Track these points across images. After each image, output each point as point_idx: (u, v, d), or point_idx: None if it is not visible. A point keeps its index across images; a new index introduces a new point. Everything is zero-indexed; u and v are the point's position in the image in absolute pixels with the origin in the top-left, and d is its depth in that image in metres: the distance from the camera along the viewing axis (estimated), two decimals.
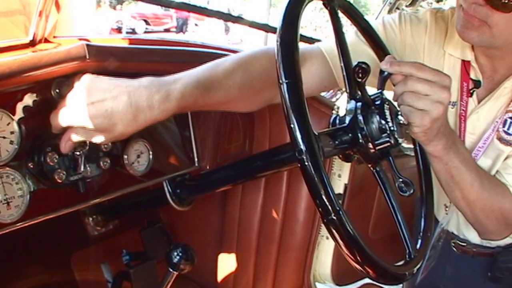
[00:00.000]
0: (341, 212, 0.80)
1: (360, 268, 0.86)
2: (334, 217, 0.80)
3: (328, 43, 1.25)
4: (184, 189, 1.34)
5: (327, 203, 0.80)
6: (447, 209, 1.43)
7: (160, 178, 1.32)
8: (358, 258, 0.84)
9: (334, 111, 1.50)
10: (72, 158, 1.13)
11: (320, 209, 0.81)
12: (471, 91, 1.28)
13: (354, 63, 0.98)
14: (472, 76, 1.28)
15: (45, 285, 1.54)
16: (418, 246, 1.09)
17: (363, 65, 0.97)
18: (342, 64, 1.03)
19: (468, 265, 1.47)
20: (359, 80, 0.98)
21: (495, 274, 1.42)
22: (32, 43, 1.10)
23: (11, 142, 1.05)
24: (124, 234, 1.71)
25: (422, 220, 1.14)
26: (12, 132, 1.04)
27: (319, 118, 1.48)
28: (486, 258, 1.43)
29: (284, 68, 0.83)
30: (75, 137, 1.01)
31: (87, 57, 1.05)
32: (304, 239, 1.58)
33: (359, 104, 1.00)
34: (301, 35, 1.60)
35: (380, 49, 1.16)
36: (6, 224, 1.06)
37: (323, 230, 1.62)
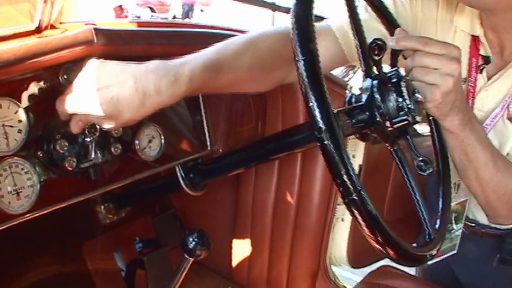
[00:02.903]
0: (362, 192, 0.78)
1: (381, 249, 0.84)
2: (356, 197, 0.78)
3: (337, 21, 1.22)
4: (197, 173, 1.30)
5: (348, 183, 0.77)
6: (457, 188, 1.39)
7: (173, 163, 1.28)
8: (379, 238, 0.82)
9: (347, 91, 1.46)
10: (82, 145, 1.08)
11: (340, 189, 0.78)
12: (481, 68, 1.26)
13: (368, 40, 0.96)
14: (482, 52, 1.25)
15: (57, 275, 1.50)
16: (437, 226, 1.07)
17: (379, 42, 0.94)
18: (357, 41, 0.99)
19: (477, 246, 1.46)
20: (376, 57, 0.96)
21: (504, 256, 1.40)
22: (38, 30, 1.05)
23: (19, 131, 1.01)
24: (136, 221, 1.67)
25: (440, 200, 1.11)
26: (20, 121, 1.00)
27: (333, 98, 1.38)
28: (494, 239, 1.41)
29: (300, 45, 0.79)
30: (84, 121, 0.99)
31: (95, 41, 1.01)
32: (319, 221, 1.54)
33: (375, 82, 0.97)
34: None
35: (392, 25, 1.12)
36: (17, 215, 1.02)
37: (338, 212, 1.58)
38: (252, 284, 1.70)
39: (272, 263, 1.65)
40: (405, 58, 1.02)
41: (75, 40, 0.99)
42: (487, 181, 1.14)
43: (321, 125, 0.78)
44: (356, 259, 1.65)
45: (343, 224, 1.59)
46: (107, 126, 0.96)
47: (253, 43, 1.06)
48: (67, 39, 0.99)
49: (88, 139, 1.08)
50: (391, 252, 0.84)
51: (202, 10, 18.25)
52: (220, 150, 1.39)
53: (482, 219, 1.40)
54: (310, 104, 0.78)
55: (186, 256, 1.19)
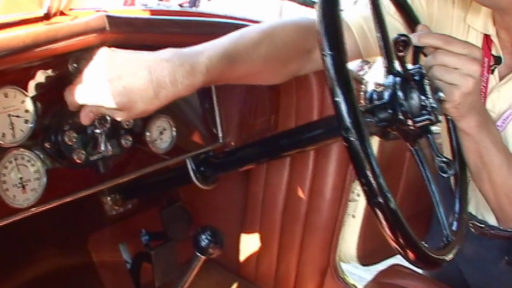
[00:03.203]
0: (388, 195, 0.75)
1: (401, 251, 0.81)
2: (381, 200, 0.75)
3: (352, 14, 1.17)
4: (208, 167, 1.24)
5: (374, 185, 0.74)
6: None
7: (184, 156, 1.22)
8: (401, 241, 0.79)
9: (363, 86, 1.39)
10: (92, 137, 1.02)
11: (366, 190, 0.76)
12: (492, 68, 1.21)
13: None
14: (493, 52, 1.21)
15: (61, 267, 1.44)
16: (454, 228, 1.03)
17: (404, 38, 0.91)
18: (380, 36, 0.95)
19: (486, 247, 1.41)
20: (400, 53, 0.92)
21: None
22: (47, 16, 0.98)
23: (26, 121, 0.95)
24: (142, 213, 1.61)
25: (457, 201, 1.08)
26: (26, 111, 0.94)
27: None
28: (503, 241, 1.37)
29: (327, 39, 0.74)
30: (95, 112, 0.93)
31: (107, 28, 0.95)
32: (331, 217, 1.49)
33: (398, 79, 0.93)
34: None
35: (413, 22, 1.09)
36: (22, 209, 0.96)
37: (350, 209, 1.52)
38: (259, 280, 1.65)
39: (281, 259, 1.60)
40: (425, 56, 0.99)
41: (87, 27, 0.93)
42: (500, 185, 1.11)
43: (348, 122, 0.74)
44: (366, 257, 1.59)
45: (353, 221, 1.53)
46: (119, 117, 0.90)
47: (269, 33, 1.01)
48: (79, 27, 0.92)
49: (98, 131, 1.02)
50: (411, 255, 0.81)
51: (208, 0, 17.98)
52: (233, 143, 1.32)
53: (491, 220, 1.35)
54: (337, 99, 0.74)
55: (198, 254, 1.13)
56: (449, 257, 0.95)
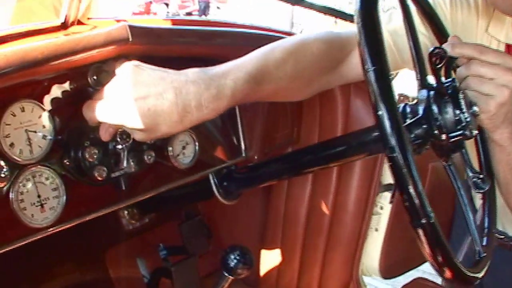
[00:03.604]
0: (431, 215, 0.71)
1: (438, 269, 0.77)
2: (424, 221, 0.71)
3: (388, 24, 1.12)
4: (231, 181, 1.17)
5: (418, 206, 0.71)
6: None
7: (206, 171, 1.14)
8: (440, 259, 0.75)
9: None
10: (114, 153, 0.95)
11: (410, 212, 0.72)
12: None
13: None
14: None
15: (78, 284, 1.36)
16: (484, 243, 0.99)
17: (440, 50, 0.87)
18: (413, 48, 0.90)
19: (505, 259, 1.37)
20: (436, 66, 0.88)
21: None
22: (64, 26, 0.91)
23: (44, 137, 0.87)
24: (160, 227, 1.53)
25: (486, 216, 1.03)
26: (44, 126, 0.87)
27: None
28: None
29: (369, 53, 0.71)
30: (115, 128, 0.88)
31: (130, 39, 0.87)
32: (354, 231, 1.41)
33: (431, 92, 0.88)
34: (344, 13, 1.41)
35: (441, 34, 1.03)
36: (41, 229, 0.89)
37: (373, 222, 1.44)
38: None
39: (303, 273, 1.52)
40: (456, 67, 0.95)
41: (108, 38, 0.86)
42: None
43: (391, 138, 0.70)
44: (387, 270, 1.52)
45: (376, 234, 1.45)
46: (138, 138, 0.84)
47: (294, 52, 0.95)
48: (100, 37, 0.85)
49: (119, 147, 0.94)
50: (448, 274, 0.76)
51: (218, 8, 17.83)
52: (256, 157, 1.24)
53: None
54: (380, 113, 0.70)
55: (226, 274, 1.04)
56: (481, 274, 0.90)
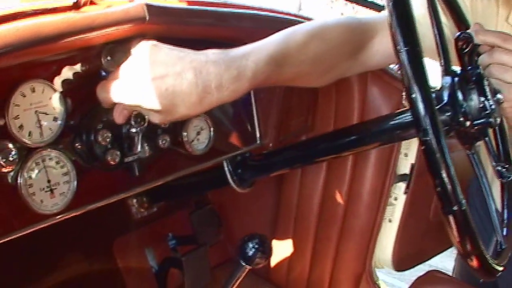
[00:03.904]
0: (463, 202, 0.68)
1: (466, 258, 0.74)
2: (456, 208, 0.68)
3: None
4: (246, 169, 1.12)
5: (451, 192, 0.68)
6: None
7: (221, 157, 1.08)
8: (469, 248, 0.72)
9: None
10: (127, 137, 0.89)
11: (442, 198, 0.69)
12: None
13: None
14: None
15: (85, 274, 1.31)
16: (504, 234, 0.96)
17: (467, 35, 0.84)
18: (437, 34, 0.86)
19: None
20: (464, 51, 0.85)
21: None
22: (76, 6, 0.84)
23: (55, 119, 0.81)
24: (169, 217, 1.48)
25: (506, 206, 1.00)
26: (55, 107, 0.81)
27: (390, 93, 1.27)
28: None
29: (402, 33, 0.67)
30: (130, 110, 0.82)
31: (147, 18, 0.81)
32: (368, 222, 1.36)
33: (456, 79, 0.85)
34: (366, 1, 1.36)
35: (461, 22, 0.98)
36: (50, 216, 0.83)
37: (387, 213, 1.38)
38: (291, 286, 1.52)
39: (314, 265, 1.47)
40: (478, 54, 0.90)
41: (125, 16, 0.79)
42: None
43: (425, 121, 0.66)
44: (400, 262, 1.46)
45: (390, 226, 1.40)
46: (155, 120, 0.78)
47: (316, 35, 0.90)
48: (116, 15, 0.79)
49: (134, 130, 0.88)
50: (475, 263, 0.74)
51: None
52: (270, 145, 1.18)
53: None
54: (413, 95, 0.67)
55: (243, 263, 0.99)
56: (502, 267, 0.85)
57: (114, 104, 0.81)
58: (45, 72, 0.80)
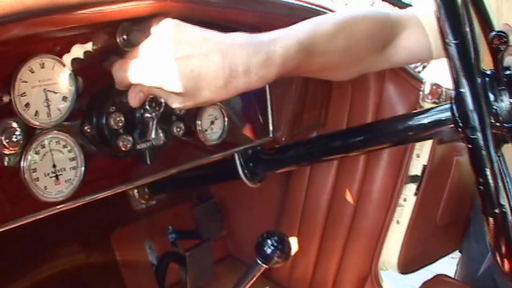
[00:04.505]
0: (505, 205, 0.65)
1: (499, 260, 0.70)
2: (498, 211, 0.65)
3: (425, 11, 0.99)
4: (258, 163, 1.05)
5: (494, 193, 0.65)
6: None
7: (233, 149, 1.00)
8: (504, 251, 0.68)
9: (422, 85, 1.20)
10: (141, 122, 0.80)
11: (484, 198, 0.66)
12: None
13: None
14: None
15: (82, 265, 1.23)
16: None
17: (504, 34, 0.75)
18: (469, 33, 0.76)
19: None
20: (499, 51, 0.75)
21: None
22: None
23: (64, 99, 0.73)
24: (170, 209, 1.39)
25: None
26: (65, 86, 0.73)
27: (407, 91, 1.21)
28: None
29: (451, 27, 0.64)
30: (146, 93, 0.73)
31: None
32: (377, 223, 1.28)
33: (486, 79, 0.76)
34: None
35: (486, 21, 0.90)
36: (54, 204, 0.75)
37: (395, 214, 1.31)
38: (293, 285, 1.44)
39: (319, 264, 1.39)
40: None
41: None
42: None
43: (474, 118, 0.64)
44: (405, 265, 1.38)
45: (398, 227, 1.33)
46: (175, 103, 0.70)
47: (345, 26, 0.84)
48: None
49: (148, 115, 0.80)
50: (508, 266, 0.70)
51: None
52: (283, 139, 1.10)
53: None
54: (462, 90, 0.64)
55: (259, 261, 0.91)
56: None
57: (129, 85, 0.73)
58: (56, 47, 0.72)
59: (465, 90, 0.63)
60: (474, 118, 0.63)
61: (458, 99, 0.64)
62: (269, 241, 0.90)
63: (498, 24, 1.02)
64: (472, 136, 0.63)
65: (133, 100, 0.74)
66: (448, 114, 0.76)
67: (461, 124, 0.67)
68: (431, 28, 0.97)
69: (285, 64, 0.71)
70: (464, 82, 0.63)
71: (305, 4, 0.97)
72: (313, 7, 0.98)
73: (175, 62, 0.65)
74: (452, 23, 0.63)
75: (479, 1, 0.91)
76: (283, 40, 0.71)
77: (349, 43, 0.84)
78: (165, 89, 0.68)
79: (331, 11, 1.01)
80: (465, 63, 0.63)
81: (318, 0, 1.04)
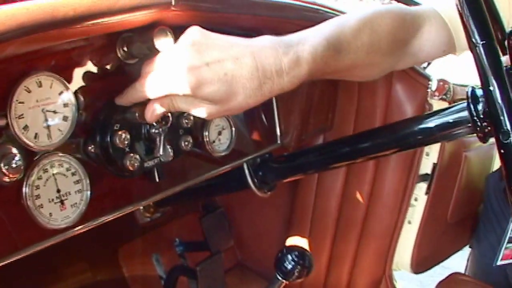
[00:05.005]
0: None
1: None
2: None
3: (444, 5, 0.96)
4: (268, 171, 0.99)
5: None
6: None
7: (242, 159, 0.95)
8: None
9: (430, 82, 1.15)
10: (148, 138, 0.74)
11: None
12: None
13: None
14: None
15: (90, 285, 1.16)
16: None
17: None
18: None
19: None
20: None
21: None
22: None
23: (65, 118, 0.67)
24: (175, 221, 1.34)
25: None
26: (65, 104, 0.66)
27: (415, 90, 1.17)
28: None
29: (477, 27, 0.62)
30: (167, 108, 0.68)
31: (173, 3, 0.67)
32: (389, 225, 1.24)
33: None
34: None
35: (495, 19, 0.85)
36: (60, 230, 0.69)
37: (408, 214, 1.26)
38: None
39: (332, 268, 1.34)
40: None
41: (149, 0, 0.65)
42: None
43: (507, 123, 0.59)
44: (419, 264, 1.34)
45: (409, 227, 1.28)
46: (208, 113, 0.66)
47: (368, 22, 0.82)
48: None
49: (155, 131, 0.74)
50: None
51: None
52: (292, 145, 1.04)
53: None
54: (491, 88, 0.60)
55: (279, 277, 0.85)
56: None
57: (138, 100, 0.68)
58: (54, 64, 0.66)
59: (495, 91, 0.59)
60: (507, 122, 0.58)
61: (489, 102, 0.61)
62: (289, 256, 0.84)
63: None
64: (505, 142, 0.58)
65: (151, 115, 0.69)
66: (464, 114, 0.70)
67: (479, 124, 0.65)
68: (451, 19, 0.94)
69: (315, 62, 0.69)
70: (493, 82, 0.59)
71: (313, 6, 0.92)
72: (330, 11, 0.93)
73: (207, 67, 0.62)
74: (478, 23, 0.61)
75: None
76: (311, 39, 0.70)
77: (374, 39, 0.81)
78: (199, 96, 0.63)
79: (342, 12, 0.97)
80: (493, 62, 0.60)
81: None
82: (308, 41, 0.69)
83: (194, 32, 0.64)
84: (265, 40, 0.67)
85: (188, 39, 0.63)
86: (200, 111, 0.65)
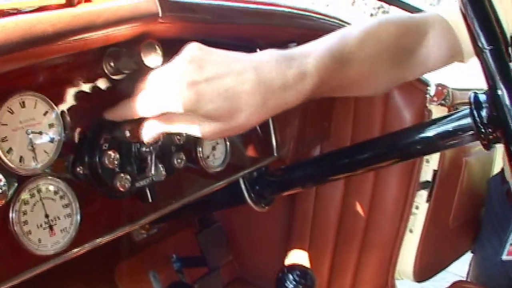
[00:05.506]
0: None
1: None
2: None
3: (449, 10, 0.93)
4: (264, 186, 0.95)
5: None
6: None
7: (238, 174, 0.91)
8: None
9: (429, 87, 1.12)
10: (138, 157, 0.71)
11: None
12: None
13: None
14: None
15: None
16: None
17: None
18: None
19: None
20: None
21: None
22: (70, 3, 0.65)
23: (51, 140, 0.63)
24: (172, 237, 1.30)
25: None
26: (51, 125, 0.63)
27: (413, 96, 1.15)
28: None
29: (485, 32, 0.60)
30: (166, 127, 0.64)
31: (160, 14, 0.64)
32: (391, 234, 1.20)
33: None
34: (401, 1, 1.22)
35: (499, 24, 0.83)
36: (50, 257, 0.65)
37: (409, 223, 1.22)
38: None
39: (333, 280, 1.31)
40: None
41: (134, 12, 0.62)
42: None
43: None
44: (421, 273, 1.31)
45: (411, 236, 1.25)
46: (208, 131, 0.62)
47: (372, 32, 0.80)
48: (124, 11, 0.61)
49: (146, 149, 0.71)
50: None
51: None
52: (289, 157, 1.01)
53: None
54: (499, 92, 0.58)
55: None
56: None
57: (128, 118, 0.65)
58: (37, 82, 0.62)
59: (504, 96, 0.56)
60: None
61: (498, 108, 0.58)
62: (290, 276, 0.81)
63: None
64: None
65: (149, 136, 0.65)
66: (467, 121, 0.67)
67: (483, 130, 0.63)
68: (456, 23, 0.91)
69: (319, 75, 0.66)
70: (502, 86, 0.57)
71: (312, 14, 0.89)
72: (330, 20, 0.90)
73: (208, 83, 0.59)
74: (484, 28, 0.59)
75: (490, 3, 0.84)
76: (315, 52, 0.67)
77: (379, 49, 0.79)
78: (200, 113, 0.60)
79: (331, 17, 0.93)
80: (501, 68, 0.57)
81: (298, 2, 0.95)
82: (312, 53, 0.66)
83: (193, 48, 0.61)
84: (267, 54, 0.64)
85: (187, 54, 0.60)
86: (201, 130, 0.62)
